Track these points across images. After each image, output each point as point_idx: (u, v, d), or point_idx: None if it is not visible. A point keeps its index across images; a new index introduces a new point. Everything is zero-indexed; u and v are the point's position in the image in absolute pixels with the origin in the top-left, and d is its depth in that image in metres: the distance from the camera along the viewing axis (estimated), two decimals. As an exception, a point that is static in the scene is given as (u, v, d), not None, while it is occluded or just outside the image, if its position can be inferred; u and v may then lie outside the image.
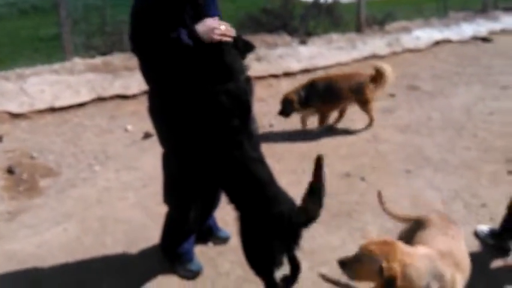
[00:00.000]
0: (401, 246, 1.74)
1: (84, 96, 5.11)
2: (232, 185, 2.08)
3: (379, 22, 8.27)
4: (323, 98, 4.42)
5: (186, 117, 2.09)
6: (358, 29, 7.77)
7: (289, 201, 2.06)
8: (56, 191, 3.48)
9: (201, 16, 2.05)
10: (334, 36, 7.45)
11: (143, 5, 2.00)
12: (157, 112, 2.24)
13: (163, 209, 3.21)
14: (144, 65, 2.14)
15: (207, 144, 2.04)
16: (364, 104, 4.56)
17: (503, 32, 9.13)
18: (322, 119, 4.58)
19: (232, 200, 2.10)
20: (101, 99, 5.17)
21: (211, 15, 2.10)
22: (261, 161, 2.06)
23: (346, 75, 4.70)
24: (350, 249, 2.15)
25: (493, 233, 2.79)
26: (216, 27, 1.96)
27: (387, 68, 4.52)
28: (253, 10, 7.36)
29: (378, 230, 2.97)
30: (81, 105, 5.02)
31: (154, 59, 2.04)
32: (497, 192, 3.38)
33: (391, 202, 3.16)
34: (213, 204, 2.64)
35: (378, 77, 4.53)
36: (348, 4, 8.23)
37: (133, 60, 5.76)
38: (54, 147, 4.17)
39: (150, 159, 4.03)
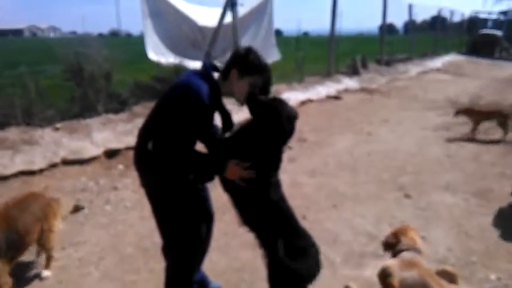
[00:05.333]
0: None
1: (-17, 177, 4.53)
2: (267, 221, 2.34)
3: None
4: None
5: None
6: (239, 93, 8.61)
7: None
8: (1, 281, 3.04)
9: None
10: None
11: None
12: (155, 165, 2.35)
13: (132, 277, 3.20)
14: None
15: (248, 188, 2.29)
16: (47, 236, 3.03)
17: (346, 91, 11.18)
18: None
19: (263, 235, 2.34)
20: (2, 179, 4.64)
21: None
22: (285, 199, 2.39)
23: (16, 203, 2.97)
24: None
25: None
26: (240, 174, 2.26)
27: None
28: (144, 79, 7.57)
29: (338, 255, 3.44)
30: (-20, 186, 4.44)
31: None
32: (407, 212, 4.25)
33: (338, 234, 3.77)
34: (205, 254, 2.77)
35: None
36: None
37: (30, 133, 5.39)
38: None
39: (93, 231, 3.86)
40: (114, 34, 79.46)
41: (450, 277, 2.64)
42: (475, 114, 7.00)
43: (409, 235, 2.73)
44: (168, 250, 2.58)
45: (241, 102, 2.34)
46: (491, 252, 3.51)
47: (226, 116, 2.43)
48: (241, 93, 2.30)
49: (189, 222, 2.41)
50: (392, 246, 2.76)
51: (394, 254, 2.70)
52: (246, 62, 2.27)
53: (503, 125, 6.79)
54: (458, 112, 7.14)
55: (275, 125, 2.23)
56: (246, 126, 2.35)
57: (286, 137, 2.31)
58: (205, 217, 2.59)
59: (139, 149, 2.36)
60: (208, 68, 2.35)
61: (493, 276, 3.17)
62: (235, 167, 2.23)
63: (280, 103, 2.29)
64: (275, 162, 2.34)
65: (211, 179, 2.41)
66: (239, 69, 2.26)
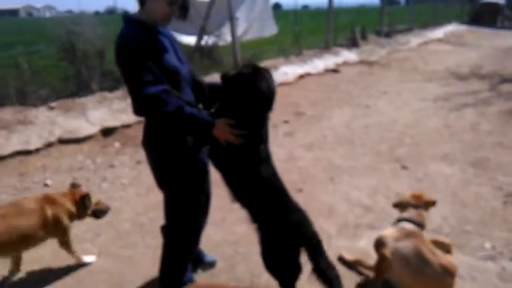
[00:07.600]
0: None
1: (-21, 157, 4.54)
2: (258, 198, 2.31)
3: (247, 62, 9.21)
4: None
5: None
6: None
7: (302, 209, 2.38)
8: (-1, 259, 3.08)
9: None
10: (217, 76, 8.03)
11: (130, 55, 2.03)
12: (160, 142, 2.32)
13: (128, 252, 3.22)
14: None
15: (237, 164, 2.26)
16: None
17: (345, 63, 11.02)
18: None
19: (255, 211, 2.32)
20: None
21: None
22: (277, 175, 2.36)
23: None
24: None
25: None
26: (229, 136, 2.14)
27: None
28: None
29: (334, 227, 3.45)
30: (-23, 167, 4.45)
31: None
32: (403, 183, 4.24)
33: (333, 206, 3.78)
34: (202, 231, 2.77)
35: None
36: (222, 47, 8.96)
37: (25, 113, 5.36)
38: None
39: (89, 209, 3.86)
40: (111, 12, 78.19)
41: (444, 247, 2.65)
42: None
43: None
44: (168, 226, 2.54)
45: (162, 25, 2.17)
46: (487, 221, 3.51)
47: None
48: (160, 14, 2.10)
49: (190, 195, 2.38)
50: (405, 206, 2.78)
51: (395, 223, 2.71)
52: None
53: None
54: None
55: (251, 89, 2.14)
56: (224, 100, 2.29)
57: (266, 101, 2.20)
58: (205, 193, 2.58)
59: (144, 126, 2.32)
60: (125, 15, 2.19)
61: (487, 245, 3.18)
62: (224, 126, 2.13)
63: (252, 69, 2.20)
64: (261, 134, 2.29)
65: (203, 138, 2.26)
66: None
